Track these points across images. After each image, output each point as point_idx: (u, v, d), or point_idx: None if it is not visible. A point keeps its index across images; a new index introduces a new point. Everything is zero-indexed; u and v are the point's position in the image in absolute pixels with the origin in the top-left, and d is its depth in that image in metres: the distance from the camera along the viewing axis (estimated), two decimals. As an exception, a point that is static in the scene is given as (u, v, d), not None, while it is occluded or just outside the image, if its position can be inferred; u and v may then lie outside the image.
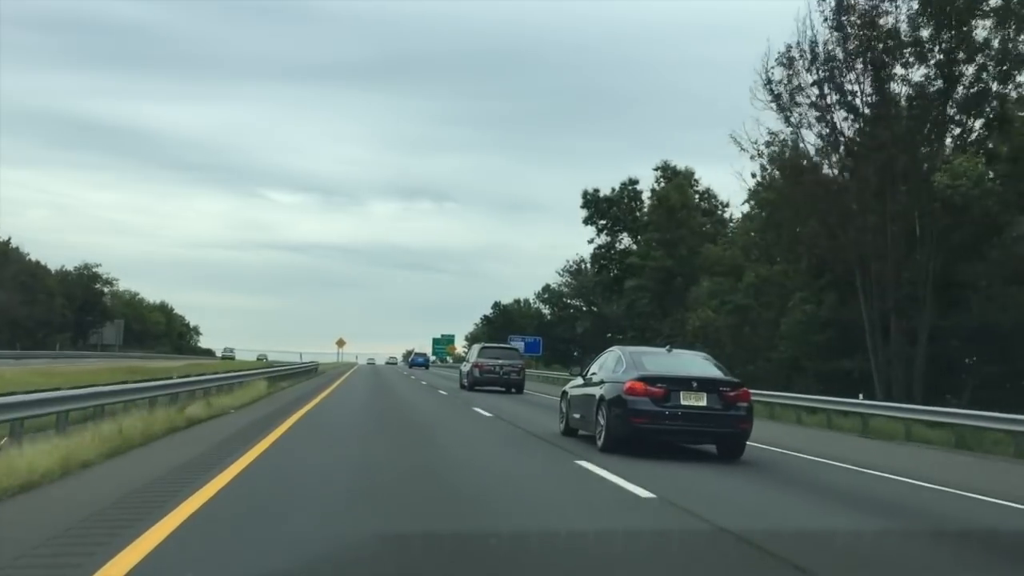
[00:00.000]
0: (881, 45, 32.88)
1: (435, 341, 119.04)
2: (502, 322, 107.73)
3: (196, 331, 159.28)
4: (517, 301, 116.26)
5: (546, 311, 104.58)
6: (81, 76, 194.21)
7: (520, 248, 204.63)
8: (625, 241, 64.01)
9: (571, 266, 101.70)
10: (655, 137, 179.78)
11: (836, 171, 36.15)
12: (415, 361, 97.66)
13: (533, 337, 75.96)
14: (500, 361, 35.23)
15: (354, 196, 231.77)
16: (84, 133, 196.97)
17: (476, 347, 39.75)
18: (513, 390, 34.58)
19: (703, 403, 12.48)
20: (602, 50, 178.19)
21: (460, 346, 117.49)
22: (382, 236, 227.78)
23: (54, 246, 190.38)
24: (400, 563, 6.03)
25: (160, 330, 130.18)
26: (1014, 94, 32.50)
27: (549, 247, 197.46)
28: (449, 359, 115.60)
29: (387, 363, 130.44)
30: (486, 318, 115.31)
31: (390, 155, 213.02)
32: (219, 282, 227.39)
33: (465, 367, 37.77)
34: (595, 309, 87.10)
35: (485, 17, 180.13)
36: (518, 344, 59.60)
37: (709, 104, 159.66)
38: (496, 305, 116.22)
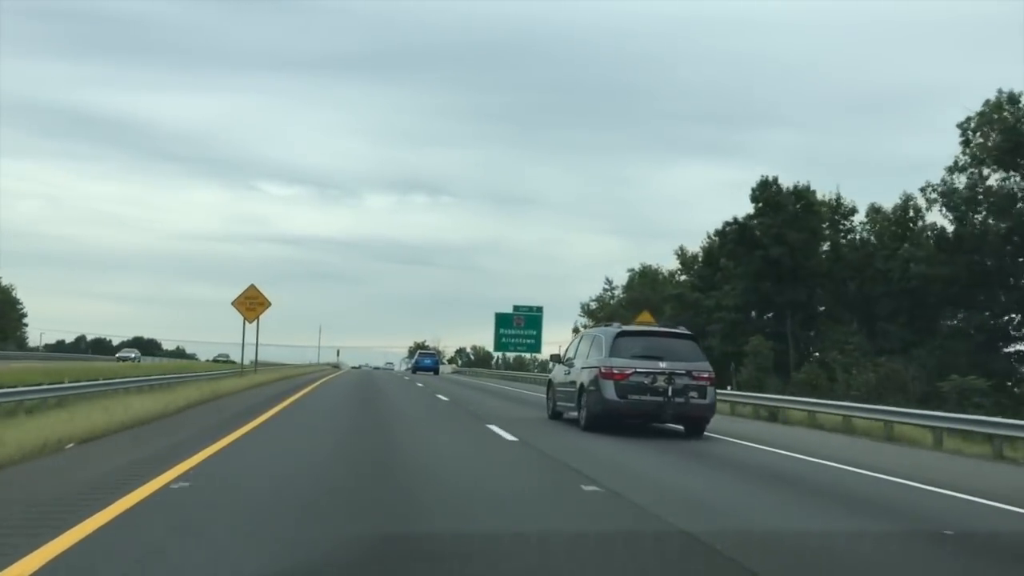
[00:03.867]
0: None
1: (500, 320, 64.07)
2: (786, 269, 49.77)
3: (15, 306, 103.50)
4: (798, 187, 52.37)
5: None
6: (74, 65, 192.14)
7: (517, 243, 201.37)
8: None
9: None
10: (654, 131, 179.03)
11: None
12: (421, 363, 67.35)
13: None
14: (663, 364, 16.06)
15: (349, 189, 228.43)
16: (77, 123, 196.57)
17: (598, 333, 18.03)
18: (681, 426, 16.83)
19: None
20: (600, 43, 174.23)
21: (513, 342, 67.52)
22: (377, 229, 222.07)
23: (46, 237, 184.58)
24: None
25: None
26: None
27: (546, 243, 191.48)
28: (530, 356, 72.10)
29: (384, 367, 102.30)
30: (722, 235, 54.49)
31: (385, 148, 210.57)
32: (212, 274, 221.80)
33: (572, 375, 18.02)
34: None
35: (482, 9, 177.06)
36: None
37: (709, 98, 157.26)
38: (767, 184, 52.02)
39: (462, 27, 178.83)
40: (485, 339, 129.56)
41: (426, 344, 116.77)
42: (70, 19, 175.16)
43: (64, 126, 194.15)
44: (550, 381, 20.61)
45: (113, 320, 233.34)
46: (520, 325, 63.95)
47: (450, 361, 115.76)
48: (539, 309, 65.03)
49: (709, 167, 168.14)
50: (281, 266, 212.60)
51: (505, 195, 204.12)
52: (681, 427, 16.81)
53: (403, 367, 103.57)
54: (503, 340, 64.56)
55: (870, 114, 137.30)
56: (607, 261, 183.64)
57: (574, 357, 18.58)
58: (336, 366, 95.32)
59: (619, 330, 17.22)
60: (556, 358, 20.78)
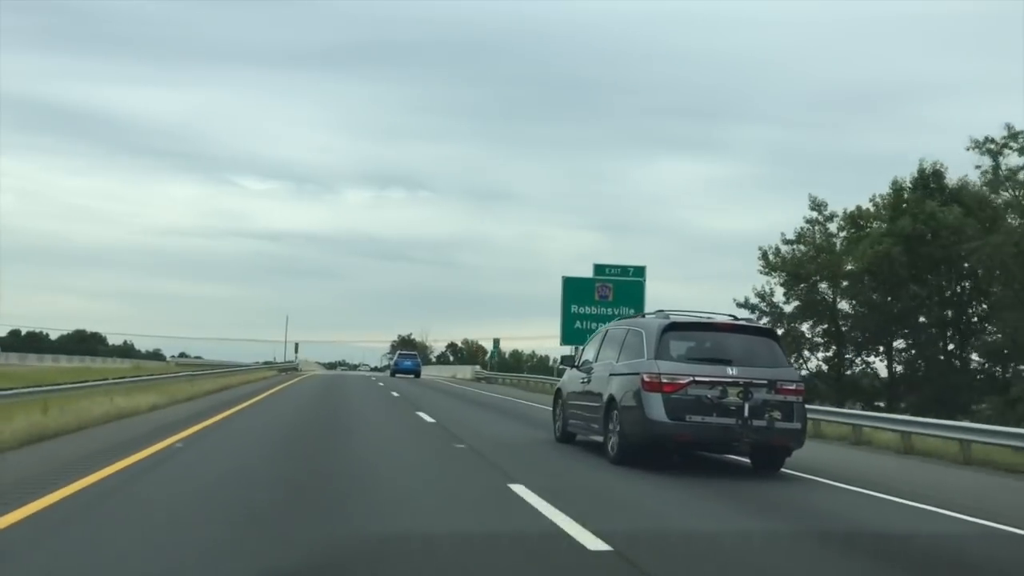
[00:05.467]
0: None
1: (570, 290, 38.98)
2: None
3: None
4: None
5: None
6: (48, 58, 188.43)
7: (495, 238, 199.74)
8: None
9: None
10: (631, 126, 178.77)
11: None
12: (400, 365, 62.48)
13: None
14: (732, 371, 11.18)
15: (326, 184, 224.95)
16: (52, 117, 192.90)
17: (634, 327, 12.84)
18: (749, 459, 12.10)
19: None
20: (578, 39, 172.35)
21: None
22: (354, 224, 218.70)
23: (20, 232, 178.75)
24: None
25: None
26: None
27: (524, 238, 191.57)
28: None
29: (360, 367, 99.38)
30: None
31: (363, 143, 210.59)
32: (187, 270, 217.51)
33: (592, 385, 13.30)
34: None
35: (460, 5, 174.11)
36: None
37: (686, 93, 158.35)
38: None
39: (440, 22, 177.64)
40: (475, 333, 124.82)
41: (411, 337, 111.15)
42: (44, 12, 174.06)
43: (38, 120, 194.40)
44: (558, 391, 15.59)
45: (84, 315, 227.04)
46: (607, 298, 38.24)
47: (439, 359, 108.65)
48: (639, 271, 39.05)
49: (687, 163, 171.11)
50: (257, 261, 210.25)
51: (484, 190, 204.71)
52: (750, 459, 11.97)
53: (383, 363, 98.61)
54: (576, 327, 37.85)
55: (848, 110, 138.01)
56: (587, 255, 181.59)
57: (593, 360, 13.75)
58: (293, 368, 68.32)
59: (668, 322, 12.06)
60: (568, 361, 16.03)
